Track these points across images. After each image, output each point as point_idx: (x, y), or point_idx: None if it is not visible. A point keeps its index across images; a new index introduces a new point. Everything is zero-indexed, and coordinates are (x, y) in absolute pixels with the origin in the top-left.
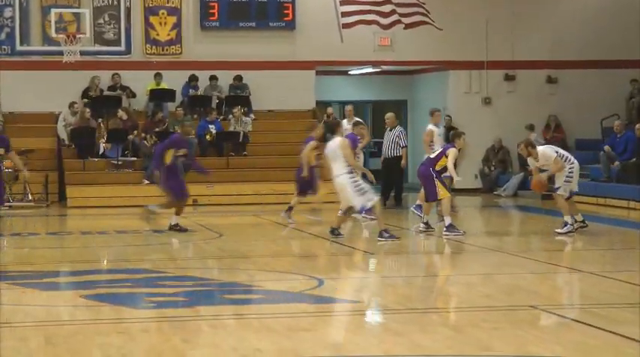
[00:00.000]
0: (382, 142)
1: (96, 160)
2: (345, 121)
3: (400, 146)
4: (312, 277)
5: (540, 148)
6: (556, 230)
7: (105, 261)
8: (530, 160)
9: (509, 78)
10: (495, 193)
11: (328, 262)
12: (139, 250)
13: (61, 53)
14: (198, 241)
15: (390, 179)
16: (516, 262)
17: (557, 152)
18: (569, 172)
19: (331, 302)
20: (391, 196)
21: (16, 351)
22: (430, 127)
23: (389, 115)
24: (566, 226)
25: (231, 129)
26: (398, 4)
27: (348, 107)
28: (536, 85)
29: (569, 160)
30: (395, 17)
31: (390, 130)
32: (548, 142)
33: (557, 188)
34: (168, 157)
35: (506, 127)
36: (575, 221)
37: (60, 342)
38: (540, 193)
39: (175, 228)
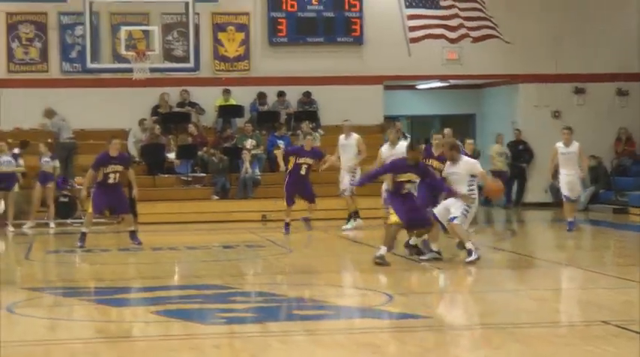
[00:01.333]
0: None
1: (166, 176)
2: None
3: None
4: (381, 293)
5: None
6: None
7: (175, 277)
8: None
9: (579, 91)
10: None
11: (396, 278)
12: (209, 266)
13: (130, 70)
14: (268, 257)
15: None
16: (588, 277)
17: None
18: None
19: (402, 318)
20: None
21: None
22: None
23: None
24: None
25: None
26: (466, 18)
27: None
28: (607, 98)
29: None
30: (463, 31)
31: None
32: (619, 155)
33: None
34: None
35: (577, 140)
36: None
37: None
38: (497, 198)
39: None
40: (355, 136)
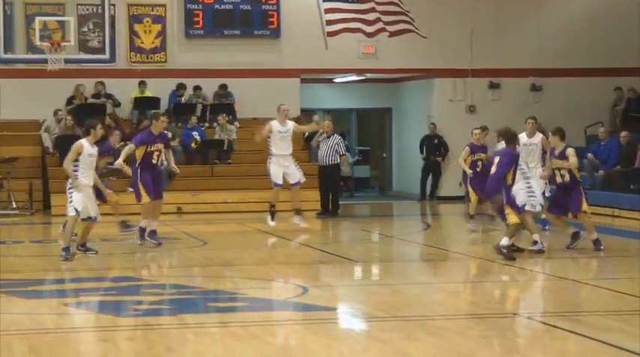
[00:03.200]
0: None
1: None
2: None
3: (340, 154)
4: (296, 285)
5: None
6: None
7: (89, 269)
8: None
9: (493, 86)
10: None
11: (312, 270)
12: (123, 258)
13: (45, 61)
14: (183, 249)
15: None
16: (504, 270)
17: None
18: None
19: (316, 310)
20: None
21: None
22: None
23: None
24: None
25: (216, 137)
26: (383, 12)
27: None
28: (521, 93)
29: None
30: (379, 25)
31: (329, 138)
32: None
33: None
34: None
35: (491, 135)
36: None
37: (43, 350)
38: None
39: None
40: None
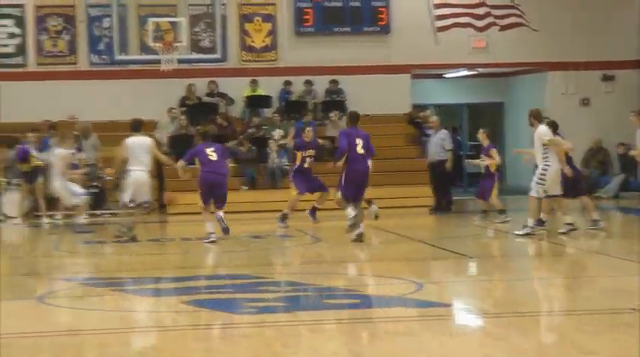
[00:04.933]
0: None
1: (195, 166)
2: None
3: (446, 149)
4: (410, 281)
5: None
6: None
7: (205, 267)
8: None
9: (607, 78)
10: (596, 195)
11: (425, 266)
12: (238, 256)
13: (158, 62)
14: (298, 246)
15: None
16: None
17: None
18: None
19: (431, 306)
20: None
21: None
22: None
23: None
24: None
25: (328, 134)
26: (492, 6)
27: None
28: (636, 85)
29: None
30: (490, 19)
31: (436, 133)
32: None
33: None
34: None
35: (605, 128)
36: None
37: (164, 348)
38: None
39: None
40: None
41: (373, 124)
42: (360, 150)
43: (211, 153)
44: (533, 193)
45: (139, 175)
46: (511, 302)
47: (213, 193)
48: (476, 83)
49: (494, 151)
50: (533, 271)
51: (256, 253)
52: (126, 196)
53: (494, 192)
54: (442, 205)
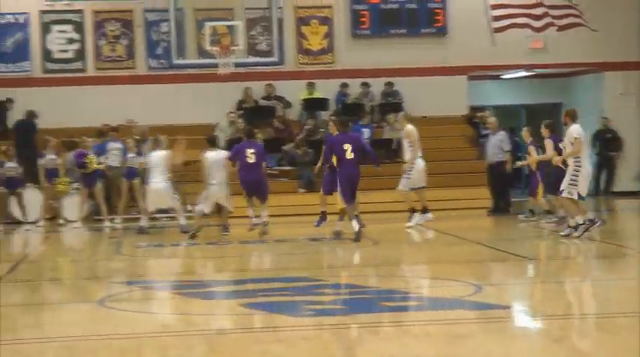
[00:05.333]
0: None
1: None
2: None
3: (504, 150)
4: (468, 283)
5: None
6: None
7: (263, 270)
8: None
9: None
10: None
11: (488, 268)
12: (296, 259)
13: (215, 65)
14: (355, 249)
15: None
16: None
17: None
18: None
19: (491, 308)
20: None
21: None
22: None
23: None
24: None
25: (385, 136)
26: (550, 7)
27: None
28: None
29: None
30: (547, 20)
31: (494, 135)
32: None
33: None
34: None
35: None
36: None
37: (224, 350)
38: None
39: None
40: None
41: (430, 125)
42: (349, 155)
43: (251, 154)
44: (565, 195)
45: (216, 190)
46: (571, 304)
47: (253, 192)
48: (533, 84)
49: (532, 149)
50: (593, 273)
51: (314, 255)
52: (205, 207)
53: (540, 191)
54: (500, 207)
